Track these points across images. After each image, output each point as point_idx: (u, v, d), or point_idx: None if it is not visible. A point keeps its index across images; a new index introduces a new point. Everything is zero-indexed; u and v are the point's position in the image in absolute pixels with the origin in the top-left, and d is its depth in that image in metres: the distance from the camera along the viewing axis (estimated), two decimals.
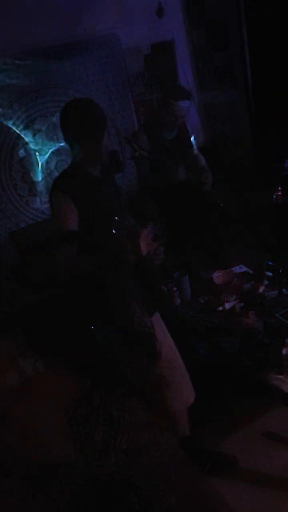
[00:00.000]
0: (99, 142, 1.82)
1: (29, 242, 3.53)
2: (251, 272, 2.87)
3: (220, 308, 2.61)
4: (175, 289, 2.78)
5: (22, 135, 3.66)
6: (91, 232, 1.82)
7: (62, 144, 3.78)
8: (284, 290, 2.59)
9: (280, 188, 3.41)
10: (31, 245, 3.42)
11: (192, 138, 3.20)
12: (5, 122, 3.56)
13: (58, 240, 1.72)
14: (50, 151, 3.78)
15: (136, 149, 2.83)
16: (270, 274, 2.72)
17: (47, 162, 3.79)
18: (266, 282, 2.68)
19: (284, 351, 2.12)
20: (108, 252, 1.76)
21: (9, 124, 3.59)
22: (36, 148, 3.73)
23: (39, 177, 3.79)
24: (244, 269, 2.95)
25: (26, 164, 3.72)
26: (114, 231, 1.73)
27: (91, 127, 1.79)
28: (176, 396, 2.03)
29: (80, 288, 1.87)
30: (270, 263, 2.80)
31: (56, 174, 3.78)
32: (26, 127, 3.66)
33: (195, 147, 3.24)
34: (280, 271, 2.70)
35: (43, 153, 3.76)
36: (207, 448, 2.17)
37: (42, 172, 3.79)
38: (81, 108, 1.83)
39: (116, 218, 1.76)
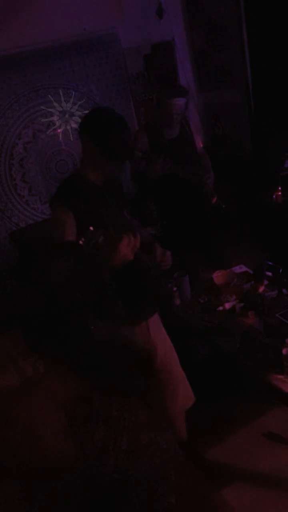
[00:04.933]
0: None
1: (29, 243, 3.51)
2: (251, 272, 2.87)
3: (220, 308, 2.61)
4: (175, 289, 2.77)
5: (22, 135, 3.66)
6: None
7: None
8: (284, 290, 2.59)
9: (280, 188, 3.41)
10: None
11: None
12: (5, 122, 3.56)
13: (54, 253, 1.68)
14: (50, 151, 3.78)
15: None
16: (270, 274, 2.72)
17: (47, 162, 3.79)
18: (266, 282, 2.67)
19: (284, 351, 2.12)
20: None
21: (9, 124, 3.59)
22: (36, 148, 3.73)
23: (39, 177, 3.79)
24: (244, 269, 2.95)
25: (26, 164, 3.72)
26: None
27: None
28: (172, 399, 2.02)
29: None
30: (270, 263, 2.79)
31: (56, 174, 3.79)
32: (26, 127, 3.66)
33: (199, 147, 3.23)
34: (280, 271, 2.69)
35: (43, 153, 3.76)
36: (201, 456, 2.16)
37: (42, 172, 3.79)
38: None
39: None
